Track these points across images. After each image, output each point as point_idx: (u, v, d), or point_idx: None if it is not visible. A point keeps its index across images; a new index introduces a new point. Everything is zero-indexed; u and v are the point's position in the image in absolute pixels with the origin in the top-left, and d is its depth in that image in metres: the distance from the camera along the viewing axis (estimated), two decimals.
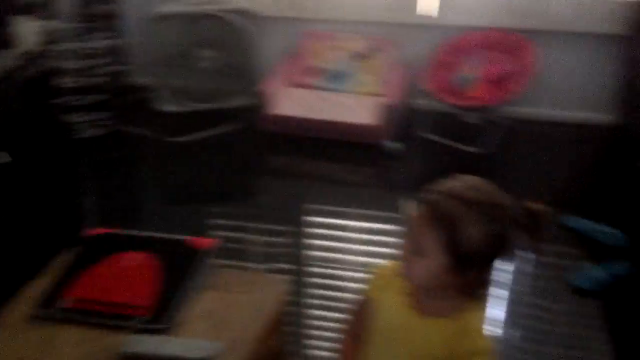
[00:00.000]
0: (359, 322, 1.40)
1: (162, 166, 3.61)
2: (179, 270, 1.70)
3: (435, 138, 3.55)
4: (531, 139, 3.60)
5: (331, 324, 2.49)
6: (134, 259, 1.72)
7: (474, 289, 1.21)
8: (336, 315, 2.54)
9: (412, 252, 1.18)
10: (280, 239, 3.00)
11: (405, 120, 3.80)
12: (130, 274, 1.68)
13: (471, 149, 3.44)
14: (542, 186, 3.14)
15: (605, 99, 3.64)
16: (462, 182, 1.19)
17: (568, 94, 3.67)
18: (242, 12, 3.72)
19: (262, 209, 3.19)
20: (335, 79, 3.79)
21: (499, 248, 1.15)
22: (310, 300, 2.60)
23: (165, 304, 1.61)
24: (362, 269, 2.79)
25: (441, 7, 3.66)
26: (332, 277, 2.72)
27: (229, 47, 3.75)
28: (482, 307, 1.26)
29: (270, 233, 3.02)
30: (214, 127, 3.74)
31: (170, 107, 3.79)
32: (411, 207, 1.19)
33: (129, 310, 1.58)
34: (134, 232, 1.83)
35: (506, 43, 3.52)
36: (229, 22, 3.68)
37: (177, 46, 3.75)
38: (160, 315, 1.58)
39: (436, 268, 1.16)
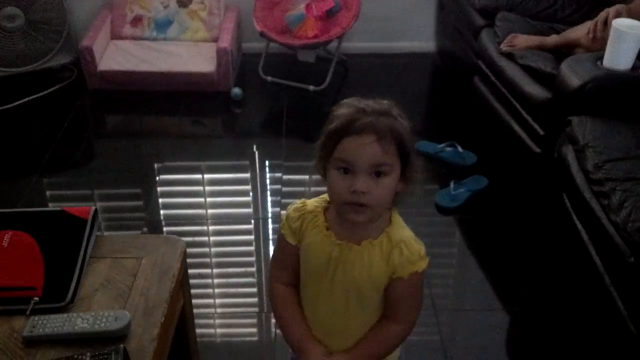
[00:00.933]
0: (286, 269, 1.39)
1: None
2: (65, 243, 1.57)
3: (275, 79, 3.54)
4: (364, 71, 3.72)
5: (209, 281, 2.45)
6: (12, 237, 1.55)
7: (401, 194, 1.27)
8: (216, 270, 2.51)
9: (375, 180, 1.19)
10: (130, 203, 2.86)
11: (242, 65, 3.75)
12: (11, 254, 1.52)
13: (309, 87, 3.48)
14: None
15: (425, 27, 3.85)
16: (366, 101, 1.23)
17: (393, 25, 3.82)
18: None
19: (105, 174, 3.00)
20: (161, 27, 3.61)
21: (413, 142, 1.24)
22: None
23: (59, 280, 1.48)
24: (224, 220, 2.76)
25: None
26: (194, 233, 2.66)
27: (32, 3, 3.41)
28: (398, 216, 1.32)
29: (117, 198, 2.87)
30: (35, 90, 3.42)
31: None
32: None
33: (20, 293, 1.43)
34: (2, 210, 1.65)
35: None
36: None
37: None
38: (56, 292, 1.45)
39: (395, 180, 1.21)
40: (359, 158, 1.18)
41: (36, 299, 1.43)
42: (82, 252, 1.56)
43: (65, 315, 1.41)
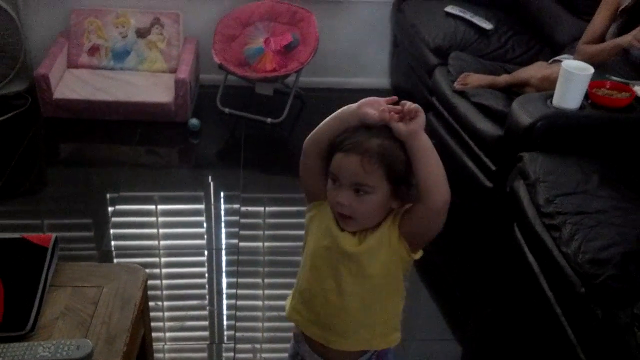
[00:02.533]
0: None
1: None
2: (25, 271, 1.55)
3: (233, 111, 3.56)
4: (320, 105, 3.77)
5: (160, 314, 2.42)
6: None
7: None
8: (167, 303, 2.48)
9: (356, 196, 1.26)
10: (83, 233, 2.82)
11: (200, 96, 3.76)
12: None
13: (267, 119, 3.51)
14: None
15: (381, 64, 3.95)
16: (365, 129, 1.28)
17: (349, 61, 3.91)
18: None
19: (55, 202, 2.96)
20: (118, 57, 3.61)
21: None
22: None
23: (20, 308, 1.46)
24: (177, 252, 2.74)
25: None
26: (149, 265, 2.61)
27: None
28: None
29: (70, 228, 2.83)
30: None
31: None
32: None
33: None
34: None
35: (287, 14, 3.63)
36: None
37: None
38: (17, 320, 1.43)
39: (382, 198, 1.27)
40: (342, 174, 1.26)
41: None
42: (42, 280, 1.54)
43: (26, 343, 1.39)
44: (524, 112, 2.38)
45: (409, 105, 1.25)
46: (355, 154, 1.24)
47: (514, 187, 2.35)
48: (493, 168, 2.60)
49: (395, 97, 1.30)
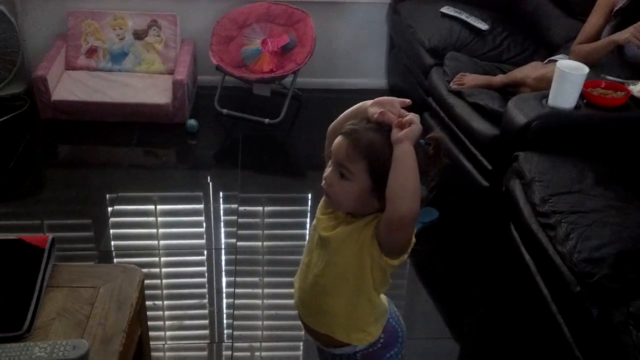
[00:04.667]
0: None
1: None
2: (21, 272, 1.56)
3: (231, 112, 3.57)
4: (317, 106, 3.78)
5: (160, 313, 2.44)
6: None
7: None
8: (167, 302, 2.50)
9: (339, 178, 1.31)
10: (82, 234, 2.83)
11: (198, 97, 3.77)
12: None
13: (265, 120, 3.53)
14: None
15: (378, 64, 3.96)
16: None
17: (346, 62, 3.92)
18: None
19: (55, 204, 2.97)
20: (116, 59, 3.62)
21: None
22: None
23: (16, 309, 1.47)
24: (176, 251, 2.76)
25: None
26: (148, 265, 2.64)
27: None
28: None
29: (69, 228, 2.84)
30: None
31: None
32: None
33: None
34: None
35: (284, 16, 3.64)
36: None
37: None
38: (13, 321, 1.44)
39: (360, 190, 1.30)
40: (334, 153, 1.31)
41: None
42: (39, 281, 1.54)
43: (22, 344, 1.39)
44: (519, 112, 2.39)
45: (407, 116, 1.27)
46: (346, 138, 1.29)
47: (510, 187, 2.35)
48: (489, 167, 2.61)
49: (409, 101, 1.32)
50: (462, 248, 2.80)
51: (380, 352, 1.50)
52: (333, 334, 1.46)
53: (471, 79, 2.90)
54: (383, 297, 1.51)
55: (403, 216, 1.24)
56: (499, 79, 2.91)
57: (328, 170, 1.33)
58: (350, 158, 1.28)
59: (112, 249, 2.72)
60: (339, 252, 1.36)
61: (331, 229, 1.37)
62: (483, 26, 3.28)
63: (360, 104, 1.35)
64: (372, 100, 1.33)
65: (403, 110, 1.29)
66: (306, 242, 1.49)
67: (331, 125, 1.40)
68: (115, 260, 2.66)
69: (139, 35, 3.63)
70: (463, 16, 3.30)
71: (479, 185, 2.66)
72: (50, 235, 1.66)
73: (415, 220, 1.27)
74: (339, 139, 1.30)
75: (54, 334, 1.45)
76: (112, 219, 2.86)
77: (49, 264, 1.60)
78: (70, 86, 3.46)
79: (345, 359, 1.51)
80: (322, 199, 1.41)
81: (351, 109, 1.37)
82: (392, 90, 3.91)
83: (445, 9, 3.36)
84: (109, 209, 2.93)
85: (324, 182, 1.34)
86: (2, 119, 3.42)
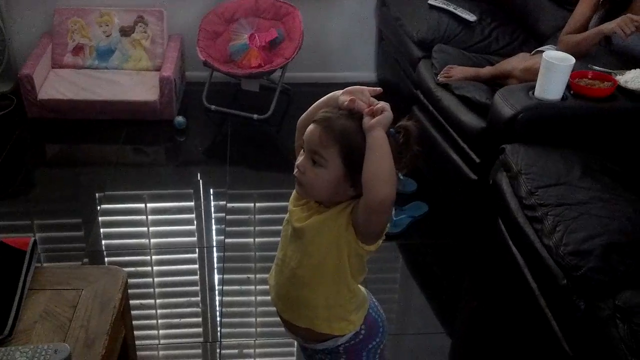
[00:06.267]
0: None
1: None
2: (3, 275, 1.55)
3: (219, 108, 3.56)
4: (307, 100, 3.74)
5: (152, 311, 2.43)
6: None
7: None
8: (159, 301, 2.49)
9: (312, 165, 1.32)
10: (71, 233, 2.82)
11: (186, 94, 3.76)
12: None
13: (254, 116, 3.51)
14: None
15: (366, 58, 3.95)
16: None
17: (335, 56, 3.90)
18: None
19: (43, 203, 2.95)
20: (102, 56, 3.60)
21: None
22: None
23: None
24: (166, 249, 2.74)
25: None
26: (138, 263, 2.63)
27: None
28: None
29: (58, 228, 2.82)
30: None
31: None
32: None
33: None
34: None
35: (272, 10, 3.62)
36: None
37: None
38: None
39: (334, 177, 1.31)
40: (306, 141, 1.32)
41: None
42: (20, 284, 1.54)
43: (3, 348, 1.39)
44: (506, 104, 2.38)
45: (377, 104, 1.29)
46: (319, 125, 1.31)
47: (497, 180, 2.34)
48: (477, 160, 2.60)
49: (379, 89, 1.34)
50: (452, 241, 2.80)
51: (363, 343, 1.51)
52: (314, 327, 1.46)
53: (459, 71, 2.89)
54: (361, 287, 1.51)
55: (382, 201, 1.26)
56: (487, 70, 2.90)
57: (300, 159, 1.34)
58: (324, 144, 1.29)
59: (102, 248, 2.71)
60: (315, 242, 1.37)
61: (304, 219, 1.38)
62: (471, 17, 3.26)
63: (331, 94, 1.37)
64: (340, 91, 1.35)
65: (373, 99, 1.32)
66: (280, 238, 1.48)
67: (302, 116, 1.42)
68: (106, 260, 2.65)
69: (125, 32, 3.60)
70: (451, 7, 3.29)
71: (467, 178, 2.65)
72: (32, 238, 1.65)
73: (392, 205, 1.28)
74: (311, 126, 1.32)
75: (36, 338, 1.45)
76: (101, 218, 2.85)
77: (31, 266, 1.59)
78: (56, 84, 3.44)
79: (328, 354, 1.51)
80: (294, 191, 1.42)
81: (322, 99, 1.39)
82: (381, 84, 3.89)
83: (433, 1, 3.35)
84: (98, 207, 2.92)
85: (296, 170, 1.34)
86: None
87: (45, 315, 1.51)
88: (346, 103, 1.29)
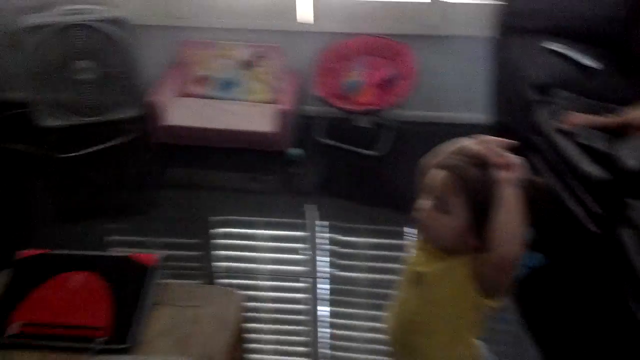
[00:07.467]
0: None
1: (52, 184, 3.42)
2: (130, 288, 1.64)
3: (332, 142, 3.62)
4: (419, 138, 3.76)
5: (261, 336, 2.48)
6: (80, 279, 1.63)
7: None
8: (265, 326, 2.54)
9: (437, 211, 1.30)
10: (187, 252, 2.94)
11: (300, 127, 3.86)
12: (80, 294, 1.60)
13: (365, 152, 3.55)
14: None
15: (481, 99, 3.91)
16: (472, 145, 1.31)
17: (448, 95, 3.90)
18: (115, 21, 3.58)
19: (162, 223, 3.10)
20: (224, 87, 3.76)
21: None
22: None
23: (123, 323, 1.54)
24: (275, 276, 2.80)
25: (316, 15, 3.74)
26: (248, 287, 2.70)
27: (106, 58, 3.58)
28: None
29: (175, 247, 2.95)
30: (103, 141, 3.58)
31: (52, 122, 3.55)
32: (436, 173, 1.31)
33: (86, 332, 1.50)
34: (74, 252, 1.73)
35: (386, 49, 3.67)
36: (103, 32, 3.53)
37: (50, 58, 3.53)
38: (120, 334, 1.52)
39: (459, 225, 1.29)
40: (429, 185, 1.32)
41: (101, 339, 1.49)
42: (146, 298, 1.62)
43: (128, 357, 1.46)
44: (631, 157, 2.29)
45: (511, 158, 1.26)
46: (448, 172, 1.29)
47: (620, 235, 2.24)
48: (600, 213, 2.49)
49: (516, 142, 1.32)
50: (571, 297, 2.68)
51: None
52: None
53: (580, 118, 2.81)
54: (478, 341, 1.48)
55: (506, 259, 1.23)
56: (611, 120, 2.80)
57: (423, 203, 1.33)
58: (452, 192, 1.27)
59: (216, 269, 2.80)
60: (434, 290, 1.35)
61: (424, 264, 1.36)
62: (592, 63, 3.18)
63: (459, 139, 1.35)
64: (471, 138, 1.32)
65: (506, 152, 1.28)
66: (399, 280, 1.48)
67: (425, 158, 1.40)
68: (217, 281, 2.74)
69: (246, 66, 3.76)
70: (570, 53, 3.22)
71: (588, 231, 2.55)
72: (159, 255, 1.73)
73: (517, 263, 1.25)
74: (438, 171, 1.30)
75: (157, 350, 1.51)
76: (215, 241, 2.95)
77: (156, 281, 1.67)
78: (180, 112, 3.61)
79: None
80: (419, 234, 1.41)
81: (448, 143, 1.37)
82: (496, 127, 3.84)
83: (552, 45, 3.29)
84: (212, 230, 3.03)
85: (418, 213, 1.33)
86: (117, 141, 3.62)
87: (167, 330, 1.57)
88: (482, 152, 1.26)
